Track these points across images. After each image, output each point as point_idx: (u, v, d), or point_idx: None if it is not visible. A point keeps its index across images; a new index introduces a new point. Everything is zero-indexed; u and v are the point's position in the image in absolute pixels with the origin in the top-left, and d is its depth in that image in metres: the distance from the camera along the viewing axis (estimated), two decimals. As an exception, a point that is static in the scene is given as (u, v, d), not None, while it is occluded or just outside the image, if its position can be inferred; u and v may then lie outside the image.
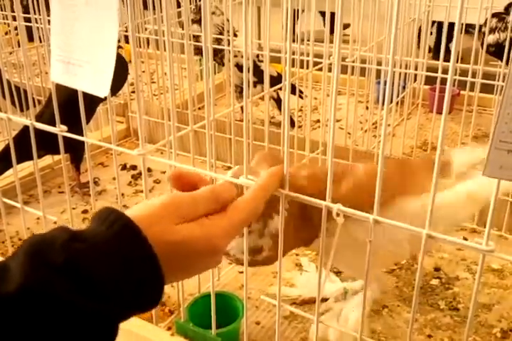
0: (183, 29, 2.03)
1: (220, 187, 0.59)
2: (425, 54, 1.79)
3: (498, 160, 0.48)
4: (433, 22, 2.63)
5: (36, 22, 1.82)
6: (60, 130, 0.96)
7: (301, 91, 1.93)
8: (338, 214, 0.71)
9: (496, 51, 1.95)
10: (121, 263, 0.46)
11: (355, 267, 1.06)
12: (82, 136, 0.97)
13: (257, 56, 1.98)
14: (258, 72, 1.76)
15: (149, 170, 1.85)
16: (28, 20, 1.88)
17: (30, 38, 2.14)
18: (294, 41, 1.61)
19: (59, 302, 0.42)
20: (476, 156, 1.14)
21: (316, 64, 1.53)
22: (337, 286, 1.23)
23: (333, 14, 0.84)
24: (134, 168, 1.90)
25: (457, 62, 1.68)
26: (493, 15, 1.94)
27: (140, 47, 2.19)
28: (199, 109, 2.22)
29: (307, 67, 1.56)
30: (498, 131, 0.46)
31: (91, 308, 0.43)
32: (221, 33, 1.95)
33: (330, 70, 1.51)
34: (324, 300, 1.22)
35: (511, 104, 0.45)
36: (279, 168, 0.70)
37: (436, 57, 2.08)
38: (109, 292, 0.44)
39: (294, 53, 1.52)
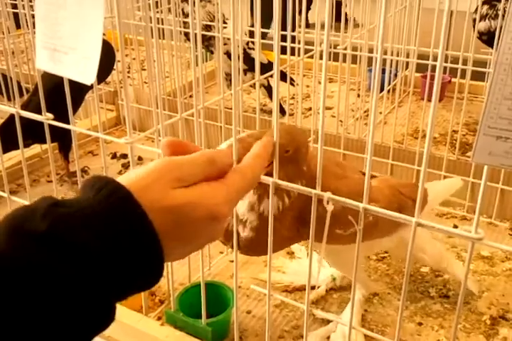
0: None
1: (218, 152, 0.55)
2: (416, 41, 1.78)
3: (486, 146, 0.47)
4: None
5: (23, 8, 1.80)
6: (46, 118, 0.94)
7: (292, 79, 1.92)
8: (328, 202, 0.71)
9: (488, 39, 1.94)
10: (110, 228, 0.42)
11: (344, 264, 1.06)
12: (69, 124, 0.96)
13: (247, 43, 1.97)
14: (248, 60, 1.75)
15: (140, 158, 1.83)
16: (15, 6, 1.86)
17: (19, 25, 2.11)
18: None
19: (42, 272, 0.38)
20: (450, 187, 1.19)
21: (307, 51, 1.52)
22: (326, 273, 1.23)
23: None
24: (124, 156, 1.89)
25: (448, 49, 1.68)
26: (484, 2, 1.93)
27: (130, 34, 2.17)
28: (190, 97, 2.20)
29: (298, 55, 1.55)
30: (487, 116, 0.46)
31: (78, 277, 0.39)
32: (212, 21, 1.93)
33: (321, 58, 1.50)
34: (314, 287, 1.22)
35: (500, 89, 0.44)
36: (270, 139, 0.67)
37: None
38: (98, 258, 0.40)
39: (285, 40, 1.51)
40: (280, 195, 0.85)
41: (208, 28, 1.93)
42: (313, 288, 1.21)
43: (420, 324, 1.14)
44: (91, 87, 1.30)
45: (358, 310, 1.12)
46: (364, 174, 1.01)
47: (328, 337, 1.08)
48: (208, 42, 1.97)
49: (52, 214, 0.41)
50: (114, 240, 0.42)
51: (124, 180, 0.46)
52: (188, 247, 0.51)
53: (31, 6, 0.90)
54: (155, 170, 0.48)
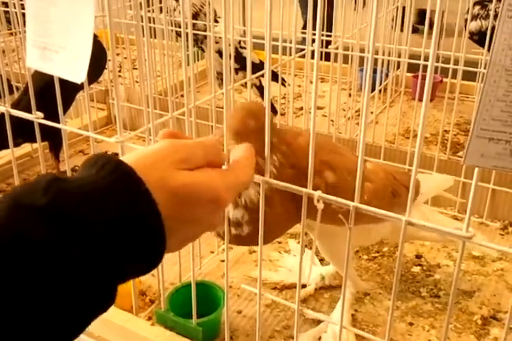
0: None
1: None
2: (408, 41, 1.78)
3: (478, 148, 0.47)
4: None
5: (15, 7, 1.79)
6: (36, 117, 0.94)
7: (283, 80, 1.92)
8: (318, 201, 0.70)
9: (479, 39, 1.95)
10: (112, 204, 0.41)
11: (337, 255, 1.06)
12: (60, 123, 0.95)
13: (239, 42, 1.96)
14: (240, 59, 1.74)
15: (131, 157, 1.83)
16: (5, 5, 1.84)
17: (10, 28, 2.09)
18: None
19: (40, 246, 0.37)
20: (442, 183, 1.22)
21: (299, 51, 1.52)
22: (316, 272, 1.23)
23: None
24: (115, 155, 1.88)
25: (439, 49, 1.68)
26: (476, 3, 1.94)
27: (121, 33, 2.16)
28: (181, 96, 2.19)
29: (290, 54, 1.54)
30: (479, 118, 0.46)
31: (77, 251, 0.38)
32: (197, 14, 1.92)
33: (313, 57, 1.50)
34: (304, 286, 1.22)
35: (493, 91, 0.44)
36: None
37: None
38: (98, 233, 0.40)
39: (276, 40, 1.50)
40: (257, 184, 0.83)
41: (194, 19, 1.92)
42: (303, 286, 1.21)
43: (411, 324, 1.14)
44: (83, 86, 1.30)
45: (347, 310, 1.12)
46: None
47: (320, 338, 1.08)
48: (195, 37, 1.96)
49: (54, 187, 0.40)
50: (115, 216, 0.41)
51: (128, 158, 0.46)
52: (189, 231, 0.50)
53: (22, 5, 0.89)
54: (160, 150, 0.48)
